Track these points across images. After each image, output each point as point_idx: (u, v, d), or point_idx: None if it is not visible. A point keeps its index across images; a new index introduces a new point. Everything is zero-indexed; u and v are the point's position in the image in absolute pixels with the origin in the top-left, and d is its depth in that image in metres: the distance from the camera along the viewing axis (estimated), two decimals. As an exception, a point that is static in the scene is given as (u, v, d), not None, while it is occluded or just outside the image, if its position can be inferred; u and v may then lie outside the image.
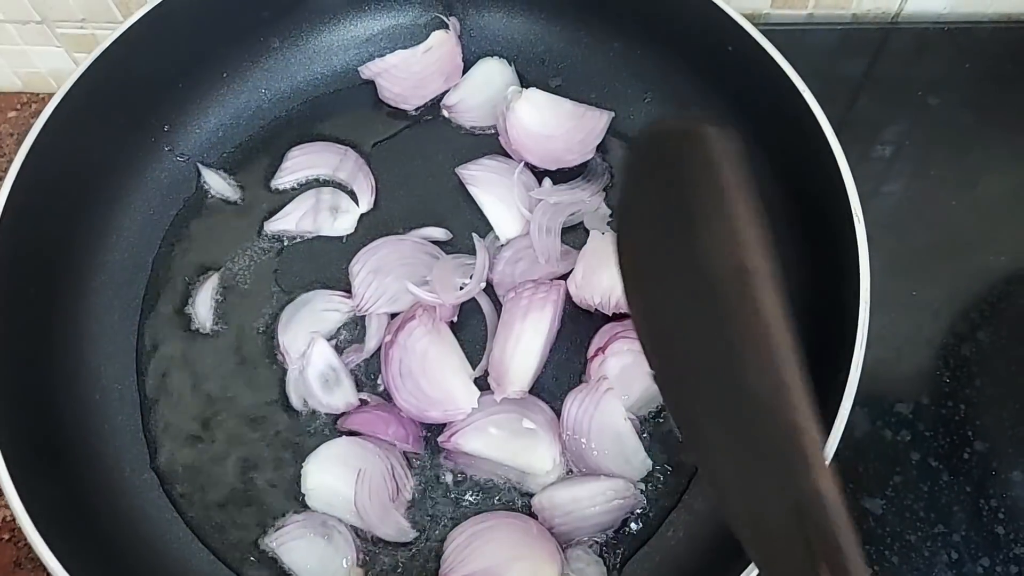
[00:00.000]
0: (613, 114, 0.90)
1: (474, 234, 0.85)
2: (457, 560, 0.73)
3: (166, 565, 0.76)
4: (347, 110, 0.96)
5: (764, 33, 0.79)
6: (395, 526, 0.76)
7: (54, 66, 1.09)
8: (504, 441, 0.77)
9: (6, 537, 0.87)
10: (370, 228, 0.90)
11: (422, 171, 0.92)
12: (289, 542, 0.76)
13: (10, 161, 1.07)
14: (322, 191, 0.90)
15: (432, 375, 0.78)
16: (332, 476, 0.78)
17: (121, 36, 0.83)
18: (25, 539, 0.83)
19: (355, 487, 0.76)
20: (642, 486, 0.78)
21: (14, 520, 0.85)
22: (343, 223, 0.89)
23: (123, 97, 0.86)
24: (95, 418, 0.81)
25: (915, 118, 0.99)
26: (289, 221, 0.89)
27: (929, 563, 0.79)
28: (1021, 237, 0.93)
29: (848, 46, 1.04)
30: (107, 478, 0.79)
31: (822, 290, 0.75)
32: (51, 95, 1.11)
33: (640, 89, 0.93)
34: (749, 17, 0.80)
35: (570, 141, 0.89)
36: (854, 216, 0.70)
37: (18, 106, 1.13)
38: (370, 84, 0.96)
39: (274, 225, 0.89)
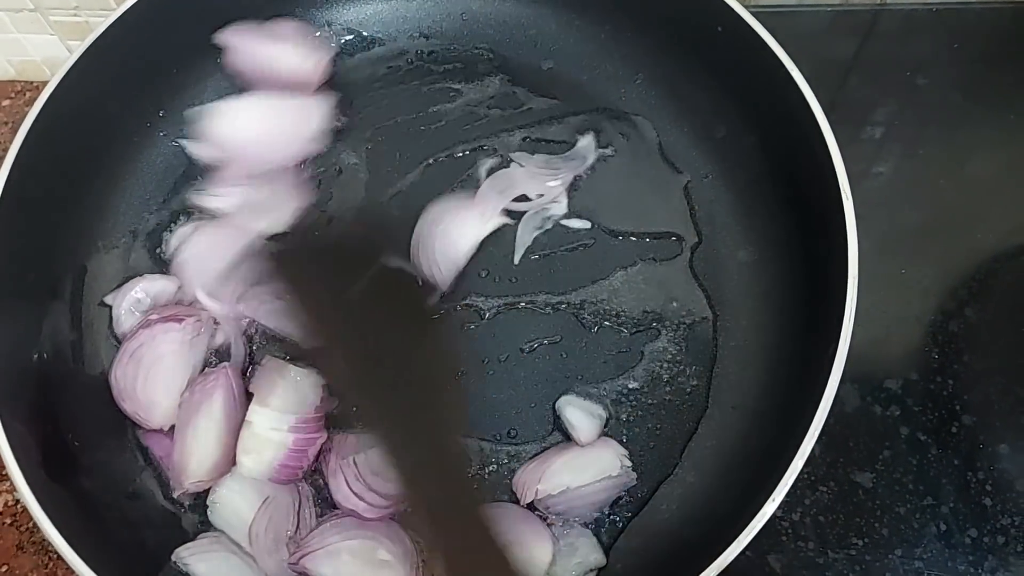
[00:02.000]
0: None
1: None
2: None
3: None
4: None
5: (756, 15, 0.80)
6: (278, 564, 0.74)
7: (48, 54, 1.09)
8: (357, 570, 0.73)
9: (8, 521, 0.88)
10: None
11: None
12: (200, 552, 0.75)
13: (5, 149, 1.08)
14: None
15: (154, 378, 0.79)
16: (240, 497, 0.77)
17: (115, 23, 0.83)
18: (28, 523, 0.85)
19: (256, 512, 0.75)
20: (629, 464, 0.79)
21: (16, 504, 0.87)
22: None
23: (118, 84, 0.86)
24: (98, 401, 0.81)
25: (904, 99, 1.00)
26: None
27: (918, 534, 0.80)
28: (1008, 215, 0.94)
29: (838, 27, 1.05)
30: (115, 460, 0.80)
31: (812, 268, 0.77)
32: (45, 83, 1.11)
33: (631, 70, 0.93)
34: (742, 1, 0.81)
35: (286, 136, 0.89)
36: (843, 196, 0.71)
37: (12, 94, 1.13)
38: (360, 65, 0.98)
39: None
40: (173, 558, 0.74)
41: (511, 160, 0.91)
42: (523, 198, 0.89)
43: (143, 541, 0.76)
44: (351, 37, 0.98)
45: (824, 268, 0.73)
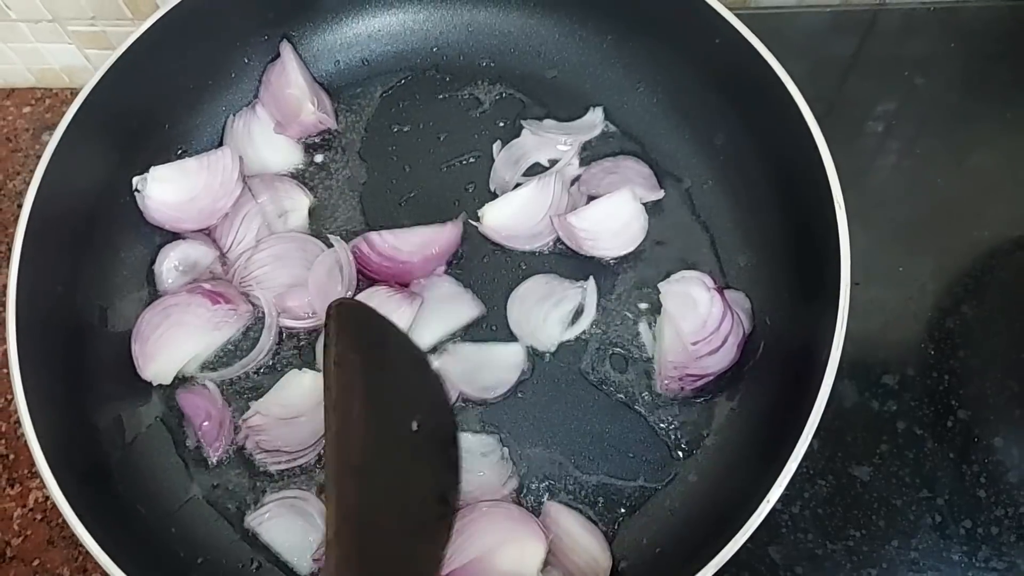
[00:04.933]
0: (239, 156, 0.91)
1: (331, 235, 0.89)
2: (447, 556, 0.74)
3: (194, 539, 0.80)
4: (354, 104, 0.99)
5: (757, 16, 0.82)
6: None
7: (66, 62, 1.12)
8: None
9: (39, 517, 0.91)
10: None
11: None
12: (267, 521, 0.80)
13: (26, 155, 1.11)
14: (264, 204, 0.91)
15: (169, 336, 0.84)
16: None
17: (135, 41, 0.86)
18: (58, 519, 0.88)
19: None
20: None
21: (46, 500, 0.91)
22: (295, 220, 0.92)
23: (136, 101, 0.89)
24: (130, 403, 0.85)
25: (902, 97, 1.01)
26: (248, 241, 0.90)
27: (914, 526, 0.83)
28: (1004, 212, 0.95)
29: (838, 27, 1.06)
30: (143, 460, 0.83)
31: (808, 272, 0.78)
32: (64, 90, 1.14)
33: (633, 80, 0.95)
34: (742, 2, 0.82)
35: (211, 192, 0.89)
36: (835, 204, 0.73)
37: (32, 101, 1.16)
38: (368, 77, 1.00)
39: (238, 249, 0.90)
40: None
41: (521, 127, 0.94)
42: (537, 167, 0.94)
43: (170, 540, 0.79)
44: (359, 50, 1.00)
45: (819, 272, 0.75)
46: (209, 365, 0.87)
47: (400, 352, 0.72)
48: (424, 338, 0.85)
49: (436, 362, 0.84)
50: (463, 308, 0.87)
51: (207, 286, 0.86)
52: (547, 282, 0.88)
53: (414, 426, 0.67)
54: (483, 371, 0.84)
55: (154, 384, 0.84)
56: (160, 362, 0.84)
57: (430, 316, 0.85)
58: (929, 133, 1.00)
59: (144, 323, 0.85)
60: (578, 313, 0.87)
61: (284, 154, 0.95)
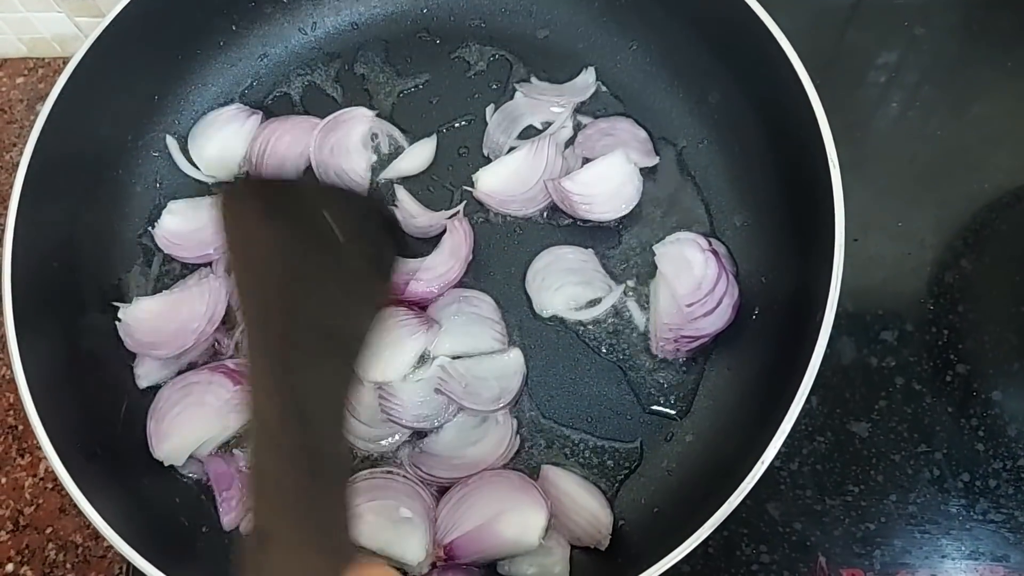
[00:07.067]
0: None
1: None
2: (450, 524, 0.77)
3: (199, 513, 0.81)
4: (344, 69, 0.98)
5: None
6: None
7: (57, 31, 1.11)
8: (380, 529, 0.77)
9: (50, 486, 0.92)
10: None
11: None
12: None
13: (21, 127, 1.11)
14: None
15: (185, 417, 0.81)
16: None
17: (124, 8, 0.85)
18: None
19: None
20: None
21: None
22: None
23: (126, 70, 0.88)
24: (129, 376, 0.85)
25: (902, 49, 1.00)
26: None
27: (912, 480, 0.83)
28: (1003, 165, 0.94)
29: (837, -23, 1.04)
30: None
31: (803, 233, 0.78)
32: (56, 59, 1.13)
33: (625, 39, 0.94)
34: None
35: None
36: (829, 161, 0.72)
37: (25, 71, 1.15)
38: (359, 41, 0.99)
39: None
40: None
41: (514, 90, 0.94)
42: (530, 129, 0.93)
43: (175, 510, 0.80)
44: (349, 14, 0.99)
45: (814, 231, 0.74)
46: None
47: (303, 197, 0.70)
48: (440, 349, 0.83)
49: (430, 374, 0.83)
50: (485, 337, 0.84)
51: (230, 364, 0.83)
52: (586, 260, 0.87)
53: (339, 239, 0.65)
54: (484, 384, 0.82)
55: (165, 464, 0.81)
56: (173, 442, 0.81)
57: (453, 331, 0.84)
58: (929, 85, 0.98)
59: (162, 400, 0.82)
60: (589, 305, 0.86)
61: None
